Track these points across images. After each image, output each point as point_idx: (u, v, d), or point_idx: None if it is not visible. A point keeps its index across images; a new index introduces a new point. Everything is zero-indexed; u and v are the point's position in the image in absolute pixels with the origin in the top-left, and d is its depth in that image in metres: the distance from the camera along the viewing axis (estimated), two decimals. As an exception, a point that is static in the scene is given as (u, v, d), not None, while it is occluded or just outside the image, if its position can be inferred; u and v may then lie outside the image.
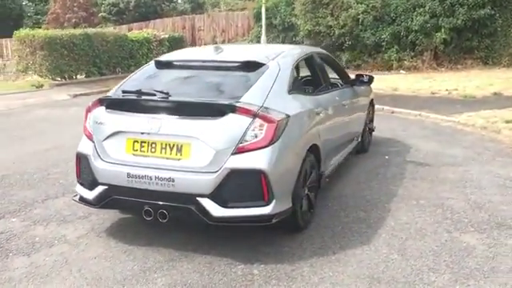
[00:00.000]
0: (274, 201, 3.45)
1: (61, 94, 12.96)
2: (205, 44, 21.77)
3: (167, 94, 3.64)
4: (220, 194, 3.38)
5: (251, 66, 3.95)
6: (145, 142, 3.59)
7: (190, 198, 3.41)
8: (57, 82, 15.08)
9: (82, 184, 3.90)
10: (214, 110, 3.46)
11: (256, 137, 3.42)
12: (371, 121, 6.65)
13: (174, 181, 3.44)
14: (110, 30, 19.56)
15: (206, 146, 3.41)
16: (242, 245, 3.76)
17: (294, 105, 3.85)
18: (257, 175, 3.38)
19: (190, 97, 3.67)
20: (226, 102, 3.46)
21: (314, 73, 5.01)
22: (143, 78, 4.21)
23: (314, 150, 4.10)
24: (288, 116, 3.62)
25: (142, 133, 3.56)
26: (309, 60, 4.87)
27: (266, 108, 3.53)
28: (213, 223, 3.40)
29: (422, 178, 5.39)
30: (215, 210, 3.37)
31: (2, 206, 4.69)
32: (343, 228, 4.09)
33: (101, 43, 16.25)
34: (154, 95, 3.67)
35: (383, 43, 16.70)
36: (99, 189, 3.71)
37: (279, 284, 3.22)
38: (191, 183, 3.42)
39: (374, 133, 7.30)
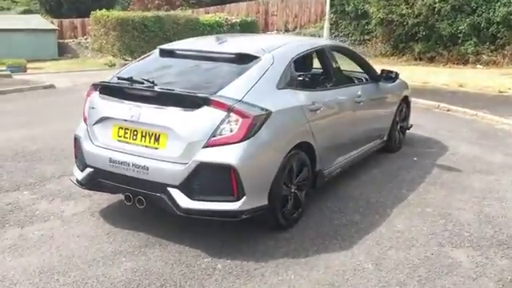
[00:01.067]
0: (244, 197, 3.41)
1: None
2: (277, 30, 21.73)
3: (153, 82, 3.69)
4: (189, 186, 3.40)
5: (244, 59, 3.90)
6: (128, 129, 3.68)
7: (162, 188, 3.46)
8: (127, 62, 15.78)
9: (77, 165, 4.09)
10: (190, 102, 3.46)
11: (230, 131, 3.38)
12: (404, 119, 6.30)
13: (148, 169, 3.51)
14: (182, 12, 20.05)
15: (180, 137, 3.44)
16: (220, 238, 3.76)
17: (280, 100, 3.75)
18: (226, 170, 3.35)
19: (175, 87, 3.68)
20: (201, 95, 3.45)
21: (322, 67, 4.83)
22: (143, 65, 4.30)
23: (304, 147, 3.98)
24: (269, 112, 3.54)
25: (125, 120, 3.65)
26: (317, 54, 4.70)
27: (244, 102, 3.47)
28: (182, 214, 3.43)
29: (442, 184, 5.06)
30: (183, 201, 3.40)
31: (22, 178, 5.03)
32: (330, 230, 3.95)
33: (172, 26, 16.74)
34: (142, 83, 3.73)
35: (460, 35, 15.71)
36: (87, 170, 3.87)
37: (235, 281, 3.19)
38: (163, 173, 3.46)
39: (415, 131, 6.99)
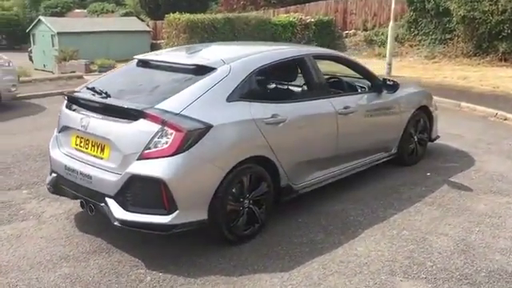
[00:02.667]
0: (176, 211, 3.40)
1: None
2: (355, 29, 21.13)
3: (106, 93, 3.79)
4: (123, 197, 3.46)
5: (200, 70, 3.87)
6: (82, 139, 3.83)
7: (102, 197, 3.56)
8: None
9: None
10: (127, 114, 3.51)
11: (163, 145, 3.39)
12: (423, 131, 5.84)
13: (91, 178, 3.62)
14: (253, 13, 20.20)
15: (118, 149, 3.51)
16: (169, 249, 3.77)
17: (227, 114, 3.66)
18: (156, 184, 3.36)
19: (127, 97, 3.76)
20: (137, 107, 3.48)
21: (295, 78, 4.63)
22: (117, 74, 4.44)
23: (261, 161, 3.86)
24: (208, 125, 3.48)
25: (78, 129, 3.80)
26: (293, 64, 4.50)
27: (181, 116, 3.45)
28: (117, 225, 3.49)
29: (439, 205, 4.63)
30: (118, 211, 3.46)
31: (29, 177, 5.41)
32: (283, 249, 3.80)
33: (242, 27, 16.96)
34: (100, 94, 3.85)
35: (551, 33, 14.14)
36: (52, 175, 4.09)
37: (154, 295, 3.20)
38: (102, 183, 3.56)
39: (450, 142, 6.63)
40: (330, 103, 4.48)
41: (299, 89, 4.73)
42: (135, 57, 4.53)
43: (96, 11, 44.76)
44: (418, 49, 18.06)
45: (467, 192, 4.96)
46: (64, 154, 3.97)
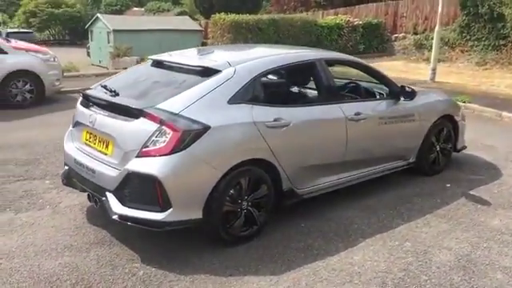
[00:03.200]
0: (170, 209, 3.48)
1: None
2: (405, 32, 20.64)
3: (115, 91, 3.93)
4: (121, 193, 3.59)
5: (206, 72, 3.94)
6: (91, 134, 3.99)
7: (103, 191, 3.70)
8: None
9: (65, 162, 4.54)
10: (129, 113, 3.63)
11: (160, 143, 3.48)
12: (447, 140, 5.65)
13: (94, 172, 3.78)
14: (298, 15, 20.12)
15: (120, 145, 3.64)
16: (166, 246, 3.85)
17: (226, 116, 3.71)
18: (151, 181, 3.45)
19: (133, 96, 3.88)
20: (138, 106, 3.59)
21: (306, 82, 4.60)
22: (130, 73, 4.58)
23: (262, 164, 3.89)
24: (206, 126, 3.55)
25: (87, 125, 3.97)
26: (302, 68, 4.48)
27: (180, 116, 3.53)
28: (115, 219, 3.62)
29: (450, 218, 4.49)
30: (116, 206, 3.59)
31: (55, 168, 5.65)
32: (278, 253, 3.80)
33: (287, 28, 16.96)
34: (110, 92, 4.00)
35: None
36: (65, 168, 4.29)
37: (140, 290, 3.30)
38: (104, 177, 3.70)
39: (480, 153, 6.44)
40: (339, 109, 4.43)
41: (307, 93, 4.72)
42: (150, 57, 4.66)
43: (152, 10, 46.11)
44: (470, 54, 17.42)
45: (484, 206, 4.77)
46: (76, 148, 4.15)
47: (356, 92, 5.18)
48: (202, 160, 3.56)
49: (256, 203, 3.93)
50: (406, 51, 20.03)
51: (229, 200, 3.75)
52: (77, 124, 4.22)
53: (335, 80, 5.18)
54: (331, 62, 4.75)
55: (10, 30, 30.46)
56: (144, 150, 3.50)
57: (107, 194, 3.65)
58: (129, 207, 3.56)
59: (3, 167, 5.71)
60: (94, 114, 3.91)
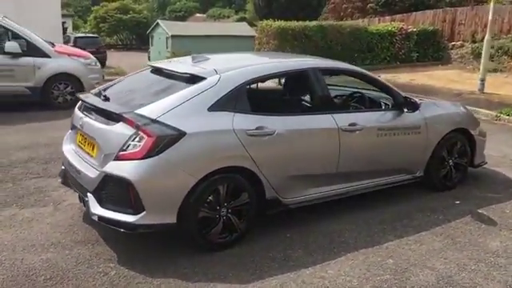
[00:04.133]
0: (143, 212, 3.57)
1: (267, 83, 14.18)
2: (462, 40, 19.83)
3: (105, 96, 4.09)
4: (99, 193, 3.72)
5: (191, 79, 4.01)
6: (83, 137, 4.17)
7: (86, 191, 3.85)
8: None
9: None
10: (111, 117, 3.76)
11: (135, 148, 3.58)
12: (461, 156, 5.38)
13: (80, 173, 3.94)
14: (348, 21, 19.80)
15: (101, 148, 3.78)
16: (146, 249, 3.93)
17: (205, 123, 3.74)
18: (125, 184, 3.55)
19: (120, 102, 4.01)
20: (118, 111, 3.71)
21: (297, 91, 4.53)
22: (128, 79, 4.72)
23: (243, 172, 3.90)
24: (181, 133, 3.61)
25: (79, 128, 4.15)
26: (294, 77, 4.43)
27: (156, 122, 3.61)
28: (94, 219, 3.75)
29: (447, 237, 4.28)
30: (94, 207, 3.72)
31: (71, 168, 5.95)
32: (254, 262, 3.78)
33: (335, 35, 16.78)
34: (103, 97, 4.16)
35: None
36: (62, 168, 4.50)
37: (106, 289, 3.41)
38: (86, 179, 3.85)
39: (502, 170, 6.16)
40: (332, 119, 4.35)
41: (297, 102, 4.65)
42: (148, 63, 4.79)
43: (214, 16, 47.21)
44: (531, 65, 16.49)
45: (489, 226, 4.51)
46: (71, 150, 4.34)
47: (360, 102, 5.06)
48: (176, 166, 3.62)
49: (237, 211, 3.93)
50: (462, 60, 19.27)
51: (206, 206, 3.78)
52: (73, 127, 4.41)
53: (340, 89, 5.11)
54: (327, 72, 4.67)
55: (77, 35, 32.13)
56: (121, 153, 3.61)
57: (88, 194, 3.79)
58: (106, 208, 3.68)
59: (25, 165, 6.06)
60: (85, 117, 4.08)
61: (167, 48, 28.63)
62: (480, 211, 4.86)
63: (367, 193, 4.92)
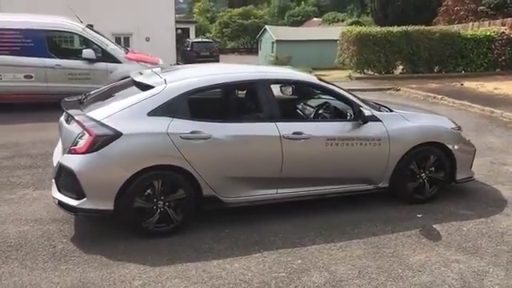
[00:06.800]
0: (84, 198, 4.28)
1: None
2: None
3: (80, 100, 4.90)
4: (57, 181, 4.52)
5: (144, 87, 4.66)
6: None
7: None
8: (357, 75, 16.30)
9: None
10: (69, 118, 4.55)
11: (81, 144, 4.31)
12: (438, 170, 5.29)
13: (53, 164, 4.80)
14: (438, 26, 18.77)
15: (64, 144, 4.59)
16: (107, 232, 4.64)
17: (142, 126, 4.33)
18: (70, 173, 4.30)
19: (89, 106, 4.77)
20: (71, 113, 4.48)
21: (245, 100, 4.88)
22: (109, 87, 5.45)
23: (178, 170, 4.43)
24: (118, 133, 4.25)
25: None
26: (243, 87, 4.81)
27: (99, 123, 4.30)
28: (55, 202, 4.56)
29: (375, 247, 4.39)
30: (55, 192, 4.54)
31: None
32: (178, 250, 4.27)
33: (422, 41, 16.23)
34: (79, 101, 4.97)
35: None
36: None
37: (46, 261, 4.17)
38: (54, 168, 4.68)
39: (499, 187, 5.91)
40: (275, 127, 4.68)
41: (241, 110, 5.00)
42: (130, 73, 5.41)
43: (328, 20, 47.33)
44: None
45: (428, 241, 4.51)
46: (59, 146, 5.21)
47: (327, 112, 5.28)
48: (113, 161, 4.28)
49: (174, 204, 4.48)
50: None
51: (142, 198, 4.38)
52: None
53: (313, 100, 5.39)
54: (280, 83, 4.99)
55: (193, 40, 34.64)
56: (71, 147, 4.37)
57: (53, 181, 4.62)
58: (61, 193, 4.47)
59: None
60: (62, 116, 4.92)
61: (272, 52, 29.65)
62: (434, 226, 4.82)
63: (333, 198, 5.16)
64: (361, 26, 23.85)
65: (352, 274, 3.90)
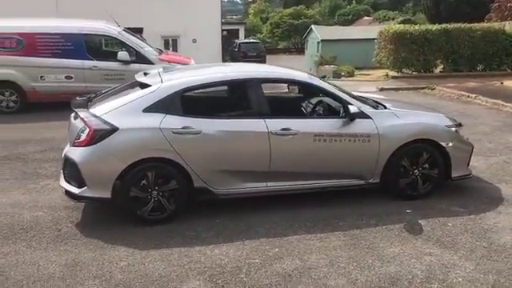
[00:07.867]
0: (85, 187, 4.73)
1: (372, 87, 14.21)
2: None
3: (88, 98, 5.37)
4: (64, 171, 5.00)
5: (143, 86, 5.05)
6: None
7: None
8: (394, 74, 16.11)
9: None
10: (75, 114, 5.01)
11: (82, 137, 4.75)
12: (431, 167, 5.35)
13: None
14: (481, 24, 18.09)
15: (70, 137, 5.05)
16: (110, 220, 5.07)
17: (137, 121, 4.72)
18: (73, 164, 4.75)
19: (96, 103, 5.22)
20: (76, 109, 4.93)
21: (235, 98, 5.15)
22: (119, 86, 5.87)
23: (170, 163, 4.78)
24: (114, 128, 4.66)
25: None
26: (234, 85, 5.09)
27: (99, 118, 4.72)
28: (62, 191, 5.03)
29: (354, 239, 4.56)
30: (62, 181, 5.02)
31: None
32: (166, 235, 4.62)
33: (463, 38, 15.86)
34: (88, 99, 5.43)
35: None
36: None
37: (49, 236, 4.65)
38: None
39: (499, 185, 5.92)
40: (263, 123, 4.93)
41: (231, 107, 5.26)
42: (139, 73, 5.82)
43: (379, 18, 46.53)
44: None
45: (409, 235, 4.62)
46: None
47: (321, 109, 5.47)
48: (110, 153, 4.69)
49: (168, 194, 4.84)
50: None
51: (138, 188, 4.76)
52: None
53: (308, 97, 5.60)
54: (269, 82, 5.24)
55: (241, 41, 35.23)
56: (75, 140, 4.82)
57: (61, 171, 5.10)
58: (67, 182, 4.93)
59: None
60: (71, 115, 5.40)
61: (318, 52, 29.60)
62: (420, 221, 4.91)
63: (324, 193, 5.35)
64: (412, 24, 23.57)
65: (322, 263, 4.10)
